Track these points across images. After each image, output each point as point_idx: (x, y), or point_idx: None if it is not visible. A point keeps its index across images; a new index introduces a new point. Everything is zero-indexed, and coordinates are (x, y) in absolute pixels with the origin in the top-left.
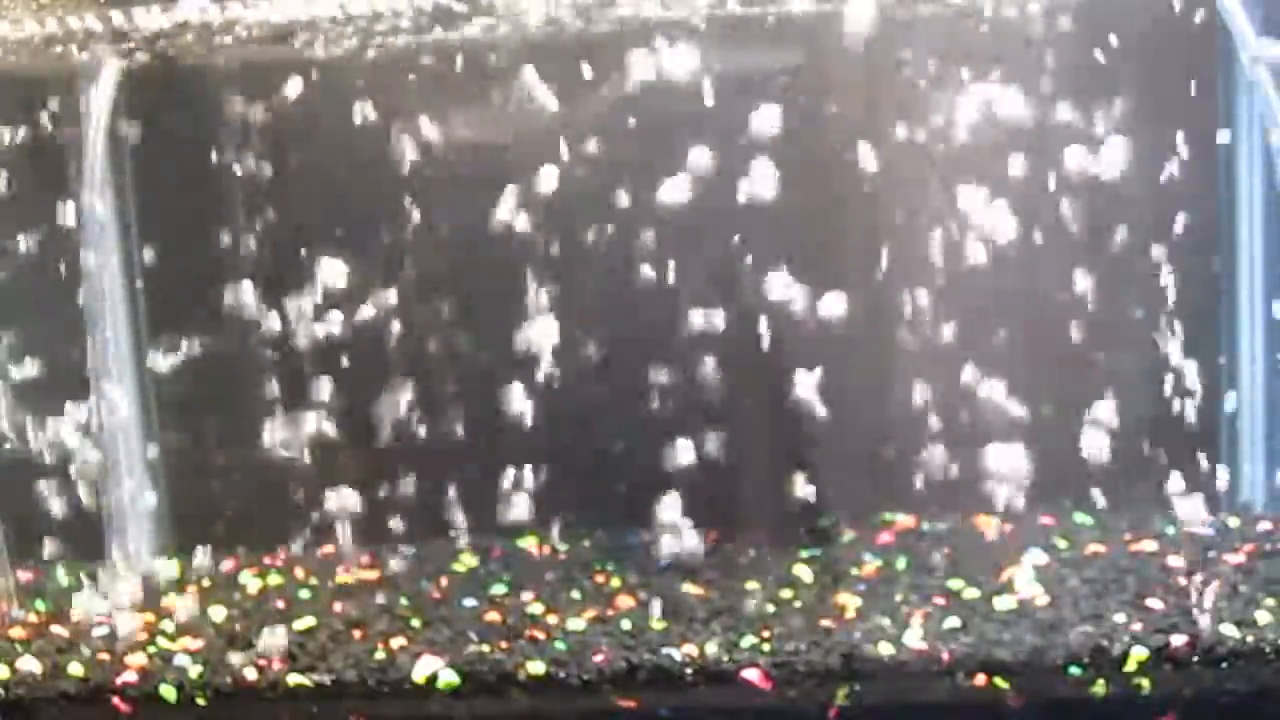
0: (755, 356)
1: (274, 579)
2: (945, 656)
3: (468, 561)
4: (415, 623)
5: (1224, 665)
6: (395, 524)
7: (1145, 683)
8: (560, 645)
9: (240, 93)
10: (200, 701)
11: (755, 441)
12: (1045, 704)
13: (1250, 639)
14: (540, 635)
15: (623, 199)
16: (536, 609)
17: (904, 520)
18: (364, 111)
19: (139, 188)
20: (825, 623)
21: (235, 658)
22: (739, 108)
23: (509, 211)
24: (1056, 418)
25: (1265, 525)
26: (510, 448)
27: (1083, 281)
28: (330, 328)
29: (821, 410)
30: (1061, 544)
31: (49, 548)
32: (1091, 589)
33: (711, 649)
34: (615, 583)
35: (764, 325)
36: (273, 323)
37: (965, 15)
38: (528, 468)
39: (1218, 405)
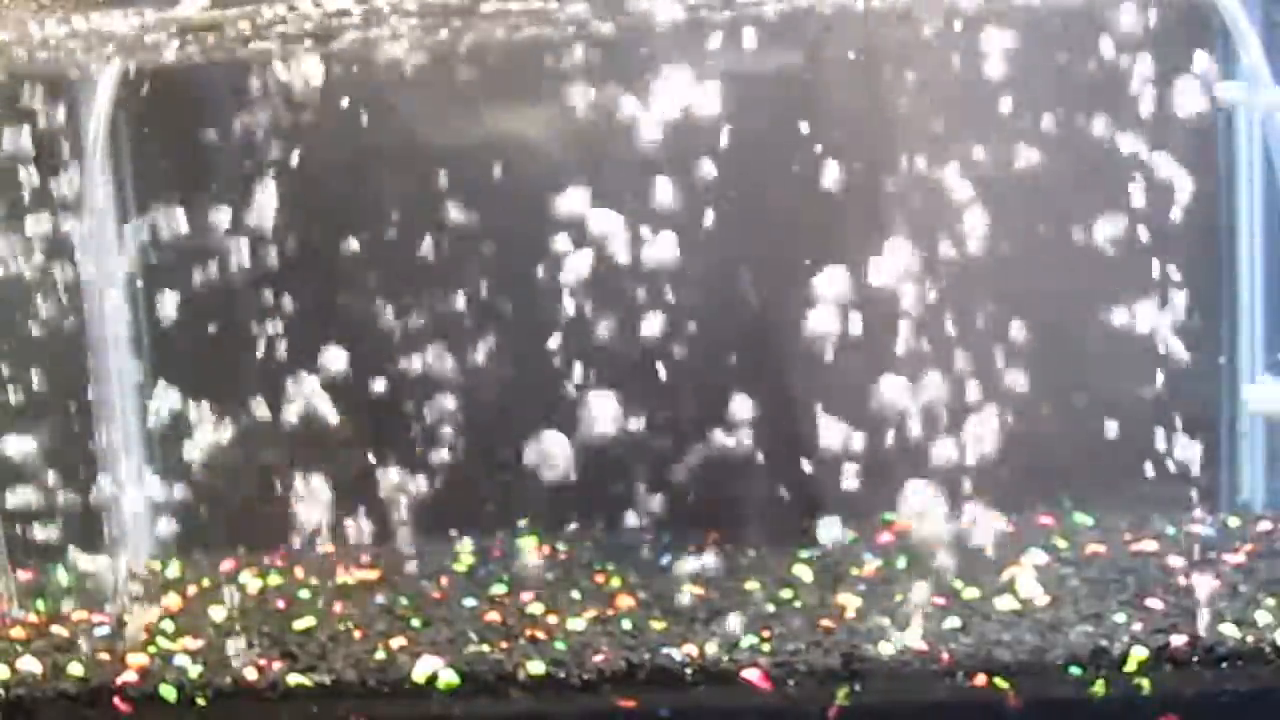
0: (755, 356)
1: (274, 579)
2: (945, 656)
3: (467, 561)
4: (415, 623)
5: (1224, 665)
6: (397, 523)
7: (1145, 683)
8: (560, 645)
9: (240, 91)
10: (200, 701)
11: (755, 441)
12: (1045, 704)
13: (1250, 639)
14: (540, 635)
15: (622, 197)
16: (536, 609)
17: (904, 520)
18: (372, 107)
19: (139, 187)
20: (825, 623)
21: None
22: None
23: (510, 205)
24: (1056, 418)
25: (1265, 525)
26: (512, 447)
27: (1082, 280)
28: (332, 326)
29: (821, 410)
30: (1061, 544)
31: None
32: (1091, 589)
33: (711, 649)
34: (615, 582)
35: (763, 324)
36: (274, 322)
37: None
38: (531, 467)
39: (1218, 404)
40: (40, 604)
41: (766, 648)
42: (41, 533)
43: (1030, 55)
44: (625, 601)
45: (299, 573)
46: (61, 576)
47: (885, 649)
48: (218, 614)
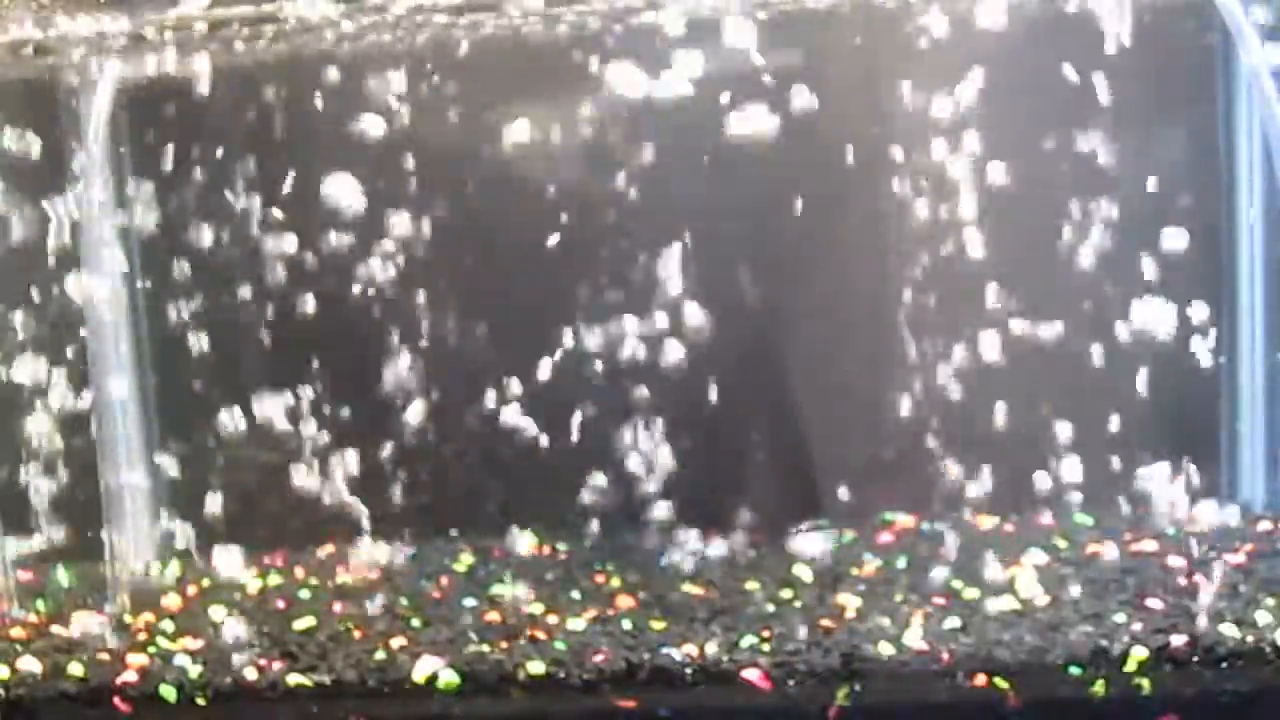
0: (754, 356)
1: (274, 579)
2: (945, 656)
3: (467, 561)
4: (415, 622)
5: (1224, 665)
6: (399, 524)
7: (1145, 683)
8: (560, 645)
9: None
10: (200, 701)
11: (754, 441)
12: (1045, 704)
13: (1250, 639)
14: (540, 635)
15: (626, 197)
16: (536, 609)
17: (904, 520)
18: (374, 107)
19: (138, 189)
20: (825, 623)
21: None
22: None
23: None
24: (1055, 418)
25: (1265, 525)
26: (511, 447)
27: (1081, 280)
28: (332, 325)
29: (821, 410)
30: (1061, 544)
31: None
32: (1091, 589)
33: (711, 649)
34: (615, 583)
35: (761, 325)
36: (273, 322)
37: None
38: (530, 467)
39: (1217, 404)
40: (40, 604)
41: (766, 648)
42: (42, 533)
43: (1028, 54)
44: (625, 601)
45: (299, 573)
46: (61, 576)
47: (885, 649)
48: (218, 614)
